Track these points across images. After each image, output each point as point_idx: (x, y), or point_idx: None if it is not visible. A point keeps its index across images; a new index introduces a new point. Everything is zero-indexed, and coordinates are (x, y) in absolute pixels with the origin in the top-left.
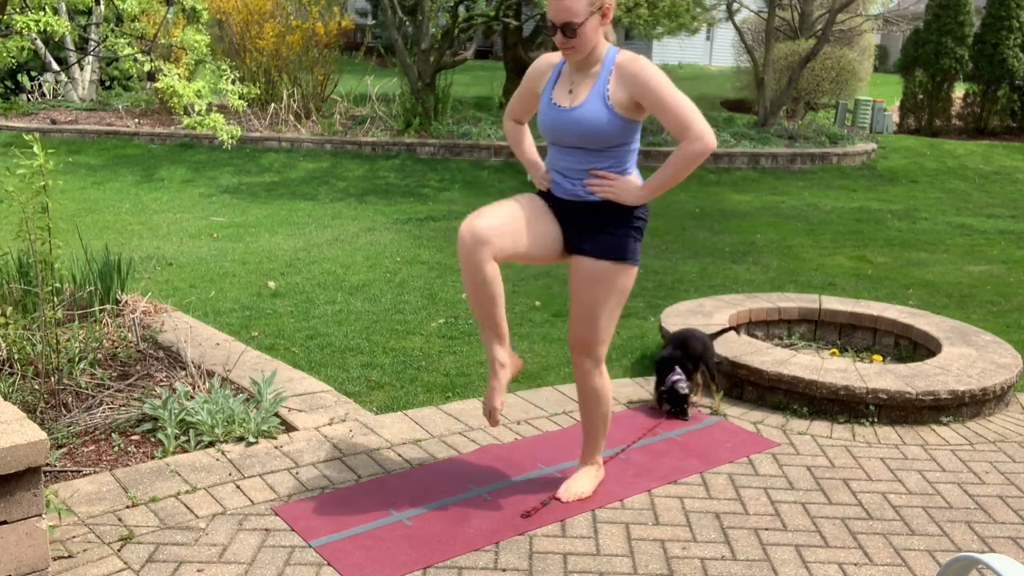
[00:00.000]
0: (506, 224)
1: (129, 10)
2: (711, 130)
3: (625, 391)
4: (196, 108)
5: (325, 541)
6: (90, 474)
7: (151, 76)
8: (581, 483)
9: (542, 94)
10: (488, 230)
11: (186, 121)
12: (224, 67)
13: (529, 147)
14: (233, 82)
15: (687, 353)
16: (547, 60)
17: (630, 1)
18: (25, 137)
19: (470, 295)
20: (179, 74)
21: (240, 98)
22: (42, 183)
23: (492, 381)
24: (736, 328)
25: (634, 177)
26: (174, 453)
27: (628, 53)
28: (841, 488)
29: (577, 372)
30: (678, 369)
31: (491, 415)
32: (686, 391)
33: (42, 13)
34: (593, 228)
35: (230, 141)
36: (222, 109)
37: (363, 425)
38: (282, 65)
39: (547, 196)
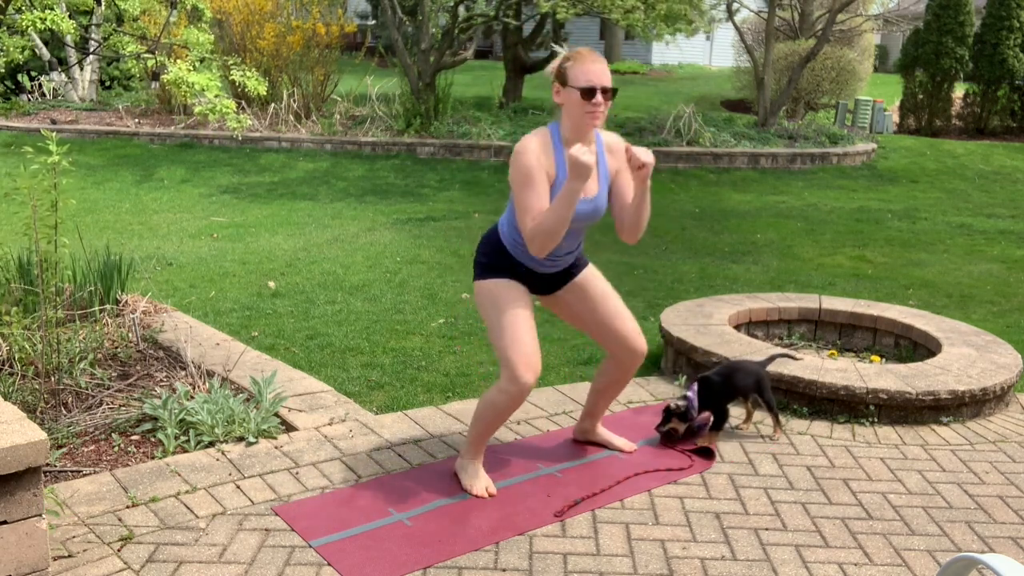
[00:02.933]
0: (536, 345)
1: (130, 10)
2: None
3: (625, 391)
4: (207, 95)
5: (325, 541)
6: (90, 474)
7: (155, 75)
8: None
9: (558, 185)
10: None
11: (198, 109)
12: (232, 62)
13: (554, 200)
14: (244, 72)
15: (730, 383)
16: (539, 144)
17: (627, 4)
18: (43, 132)
19: (497, 423)
20: (186, 68)
21: (255, 81)
22: (53, 180)
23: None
24: (791, 352)
25: None
26: (174, 453)
27: (604, 132)
28: (841, 488)
29: (631, 366)
30: (694, 387)
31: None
32: (674, 409)
33: (48, 12)
34: (573, 259)
35: (239, 128)
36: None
37: (363, 425)
38: (282, 65)
39: (525, 277)
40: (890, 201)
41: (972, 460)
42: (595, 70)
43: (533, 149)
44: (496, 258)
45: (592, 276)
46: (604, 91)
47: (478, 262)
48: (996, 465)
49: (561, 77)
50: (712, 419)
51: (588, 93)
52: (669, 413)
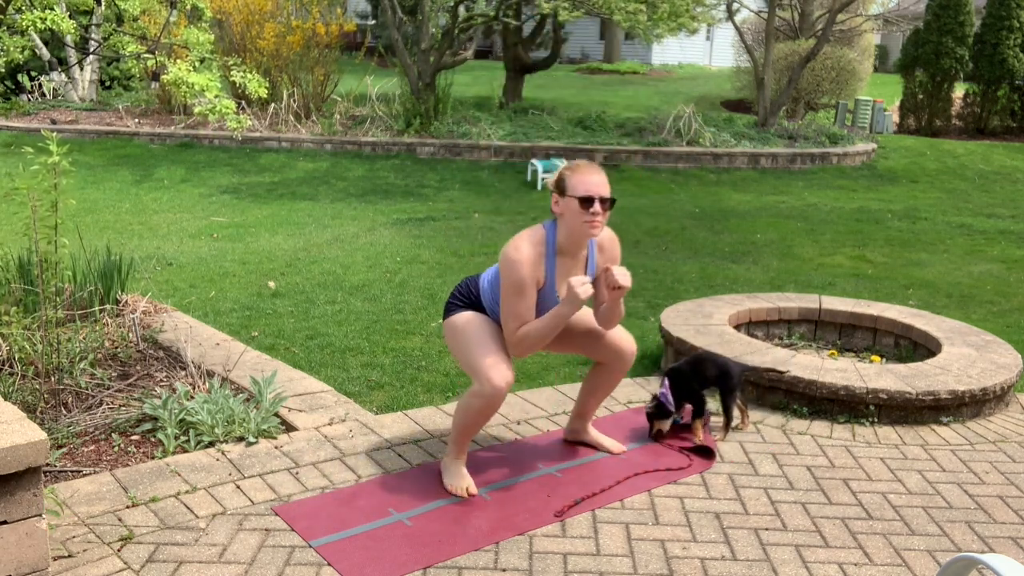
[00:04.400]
0: (507, 362)
1: (130, 10)
2: None
3: (625, 391)
4: (207, 95)
5: (325, 541)
6: (90, 474)
7: (155, 75)
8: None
9: (544, 296)
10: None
11: (197, 109)
12: (232, 62)
13: (540, 319)
14: (244, 73)
15: (698, 371)
16: (530, 249)
17: (630, 5)
18: (43, 133)
19: (476, 426)
20: (186, 68)
21: (256, 83)
22: (53, 181)
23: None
24: (780, 372)
25: None
26: (174, 453)
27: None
28: (841, 488)
29: (620, 374)
30: (666, 382)
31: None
32: (649, 411)
33: (48, 12)
34: None
35: (239, 128)
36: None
37: (363, 425)
38: (282, 65)
39: None
40: (890, 201)
41: (972, 460)
42: (594, 180)
43: (526, 257)
44: (470, 307)
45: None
46: (603, 201)
47: (452, 305)
48: (996, 465)
49: (560, 187)
50: (692, 410)
51: (586, 202)
52: (649, 417)
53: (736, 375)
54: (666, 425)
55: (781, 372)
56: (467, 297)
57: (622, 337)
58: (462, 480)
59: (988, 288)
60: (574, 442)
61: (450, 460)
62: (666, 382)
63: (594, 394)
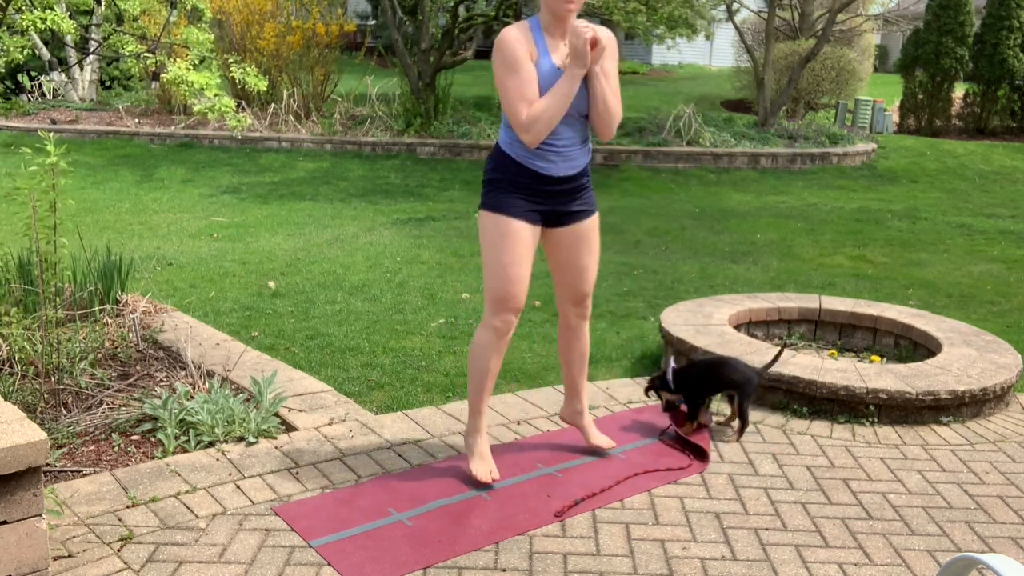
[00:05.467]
0: (526, 284)
1: (130, 10)
2: None
3: (625, 391)
4: (207, 94)
5: (325, 541)
6: (90, 474)
7: (155, 75)
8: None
9: (540, 67)
10: (522, 301)
11: (197, 107)
12: (232, 59)
13: (550, 90)
14: (244, 68)
15: (711, 379)
16: (519, 33)
17: (630, 6)
18: (41, 134)
19: (488, 371)
20: (185, 67)
21: (255, 77)
22: (51, 181)
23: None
24: (786, 346)
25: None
26: (174, 453)
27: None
28: (841, 488)
29: (578, 324)
30: (671, 363)
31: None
32: (653, 387)
33: (48, 12)
34: (582, 190)
35: (239, 127)
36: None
37: (363, 425)
38: (282, 65)
39: (536, 189)
40: (890, 201)
41: (972, 460)
42: None
43: (514, 36)
44: (502, 169)
45: (594, 235)
46: None
47: (485, 179)
48: (996, 465)
49: None
50: (687, 411)
51: None
52: (657, 392)
53: (754, 382)
54: (673, 398)
55: (781, 348)
56: (494, 160)
57: (587, 293)
58: (484, 463)
59: (988, 288)
60: (569, 423)
61: (470, 436)
62: (671, 363)
63: (569, 364)
